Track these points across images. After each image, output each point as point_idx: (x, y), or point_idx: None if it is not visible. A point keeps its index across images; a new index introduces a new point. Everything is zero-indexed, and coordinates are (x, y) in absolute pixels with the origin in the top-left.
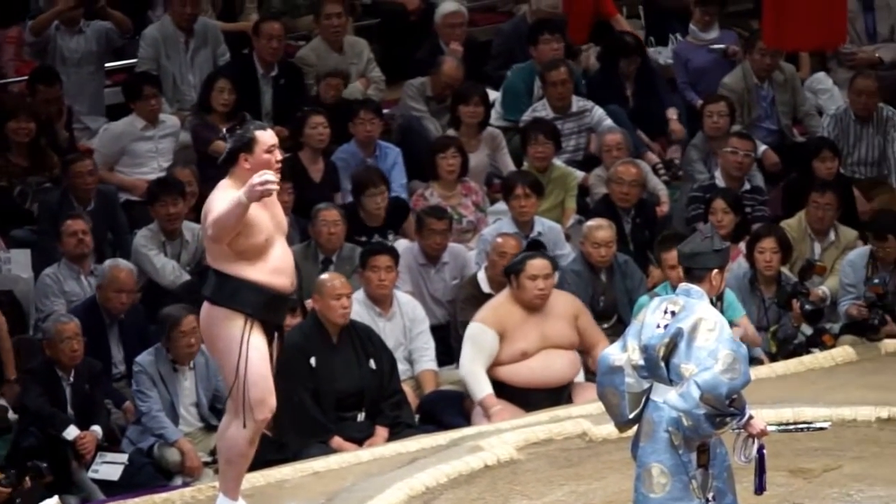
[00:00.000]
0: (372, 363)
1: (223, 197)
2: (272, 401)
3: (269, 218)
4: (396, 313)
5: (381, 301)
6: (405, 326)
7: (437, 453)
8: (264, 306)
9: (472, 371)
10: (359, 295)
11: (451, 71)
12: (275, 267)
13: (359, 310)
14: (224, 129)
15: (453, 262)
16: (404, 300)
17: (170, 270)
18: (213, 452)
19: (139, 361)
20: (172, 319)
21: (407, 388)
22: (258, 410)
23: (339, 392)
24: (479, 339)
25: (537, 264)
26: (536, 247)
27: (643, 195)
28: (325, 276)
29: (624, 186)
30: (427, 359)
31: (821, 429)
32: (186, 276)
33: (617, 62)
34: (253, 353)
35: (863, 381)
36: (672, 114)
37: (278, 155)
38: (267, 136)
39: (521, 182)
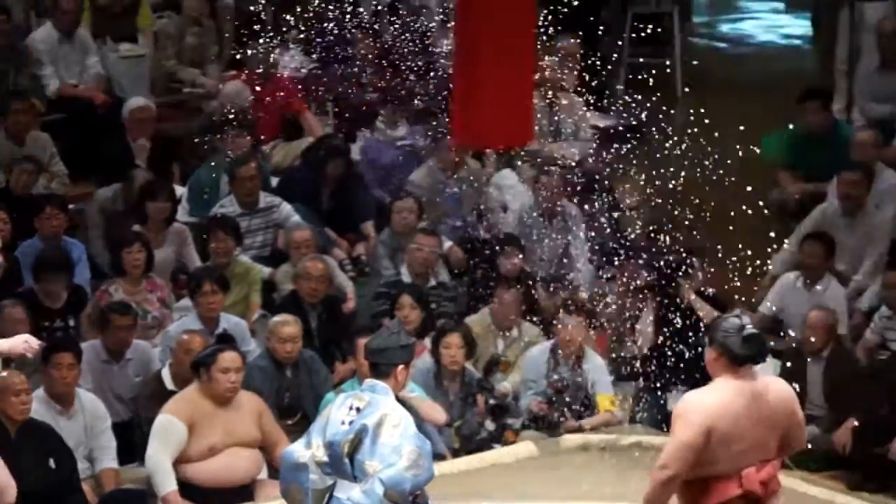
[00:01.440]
0: (51, 462)
1: None
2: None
3: None
4: (78, 411)
5: (62, 398)
6: (86, 424)
7: None
8: None
9: (159, 463)
10: (39, 393)
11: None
12: None
13: (38, 408)
14: None
15: (137, 358)
16: (86, 398)
17: None
18: None
19: None
20: None
21: (87, 487)
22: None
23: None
24: (167, 431)
25: (228, 357)
26: (226, 340)
27: (330, 291)
28: (3, 374)
29: (311, 282)
30: (108, 457)
31: None
32: None
33: (324, 164)
34: None
35: (544, 475)
36: (368, 228)
37: None
38: None
39: (207, 278)
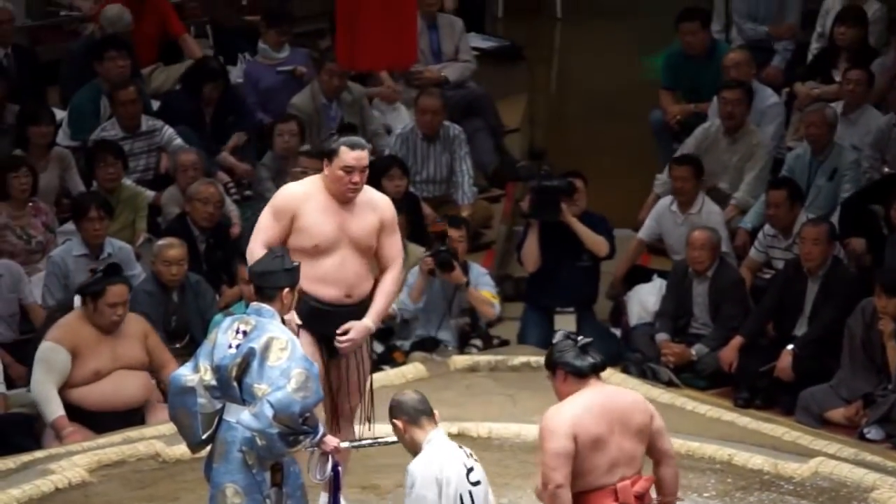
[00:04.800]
0: None
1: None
2: None
3: (336, 228)
4: None
5: None
6: None
7: (7, 477)
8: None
9: (44, 391)
10: None
11: None
12: (322, 275)
13: None
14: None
15: (8, 276)
16: None
17: None
18: None
19: None
20: None
21: None
22: None
23: None
24: (50, 359)
25: (116, 291)
26: (115, 271)
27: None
28: None
29: (208, 206)
30: None
31: (392, 443)
32: None
33: (201, 87)
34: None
35: (433, 397)
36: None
37: (356, 178)
38: (348, 156)
39: (92, 203)
